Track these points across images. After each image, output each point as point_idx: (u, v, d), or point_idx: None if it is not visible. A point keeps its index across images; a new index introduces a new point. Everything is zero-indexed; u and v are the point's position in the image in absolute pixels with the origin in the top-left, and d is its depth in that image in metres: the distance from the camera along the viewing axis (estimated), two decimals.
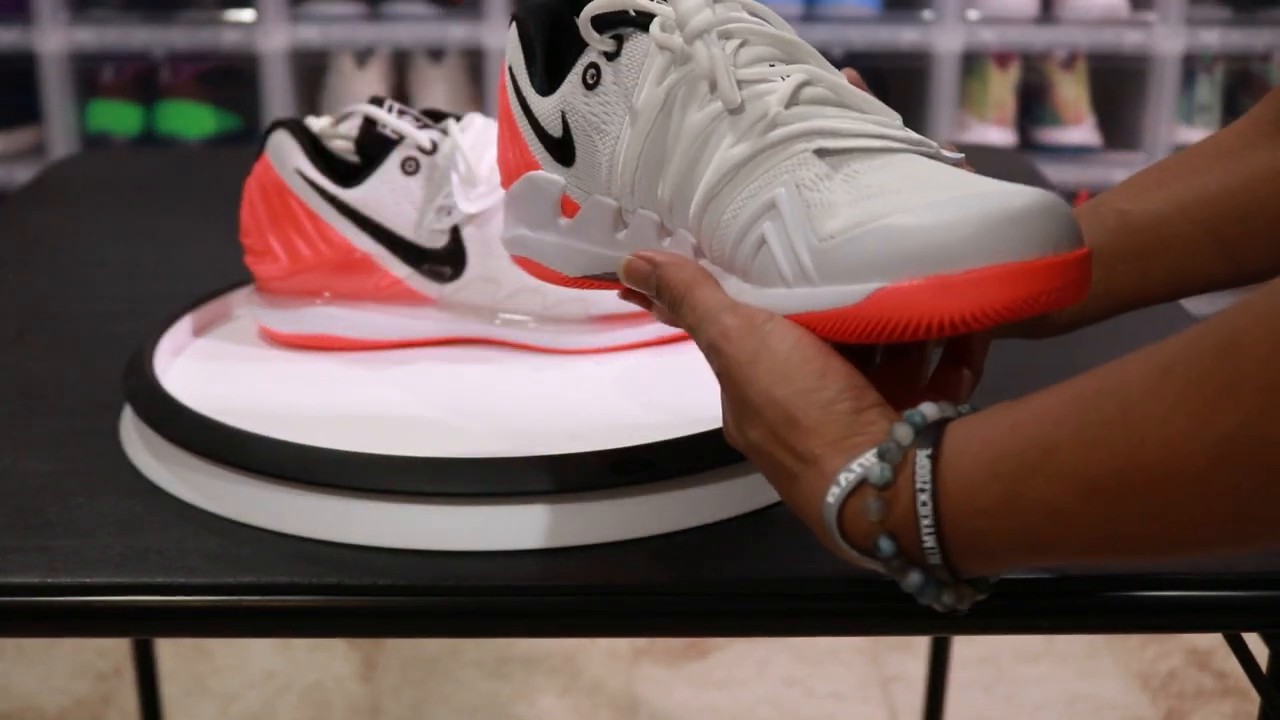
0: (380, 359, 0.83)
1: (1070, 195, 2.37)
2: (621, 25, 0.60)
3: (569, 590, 0.62)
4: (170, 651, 1.75)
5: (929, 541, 0.49)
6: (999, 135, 2.49)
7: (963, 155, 0.59)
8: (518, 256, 0.67)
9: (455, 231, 0.81)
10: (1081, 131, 2.49)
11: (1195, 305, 0.85)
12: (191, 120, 2.40)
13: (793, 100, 0.57)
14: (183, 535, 0.66)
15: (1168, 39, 2.39)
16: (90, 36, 2.33)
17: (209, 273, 0.95)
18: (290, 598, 0.62)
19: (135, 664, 1.41)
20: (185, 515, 0.68)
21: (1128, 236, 0.66)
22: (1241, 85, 2.57)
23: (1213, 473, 0.42)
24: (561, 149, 0.63)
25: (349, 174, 0.82)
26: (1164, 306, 0.95)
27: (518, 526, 0.65)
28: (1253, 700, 1.05)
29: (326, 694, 1.71)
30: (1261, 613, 0.62)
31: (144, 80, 2.43)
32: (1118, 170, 2.42)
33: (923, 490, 0.49)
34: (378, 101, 0.81)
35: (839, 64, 0.63)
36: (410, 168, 0.80)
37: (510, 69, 0.66)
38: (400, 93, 2.45)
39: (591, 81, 0.61)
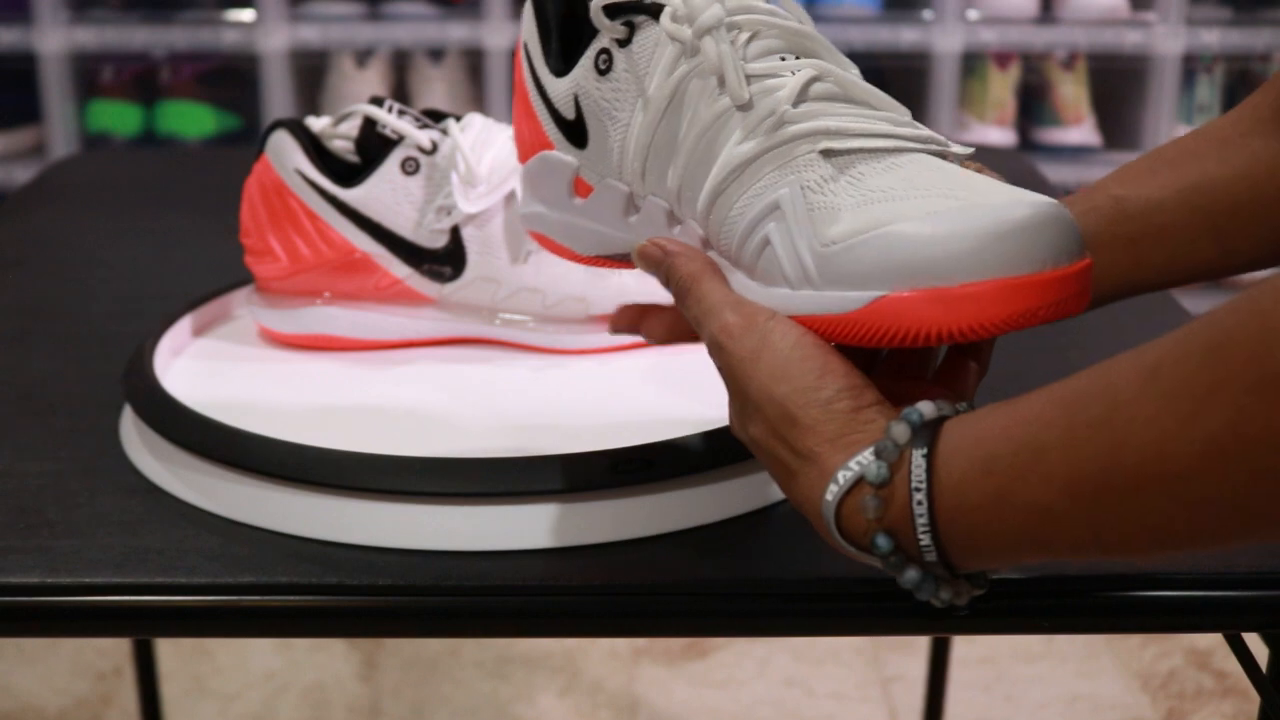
0: (380, 359, 0.83)
1: (1071, 195, 2.36)
2: (634, 12, 0.60)
3: (569, 590, 0.62)
4: (170, 651, 1.75)
5: (924, 539, 0.50)
6: (999, 135, 2.49)
7: (972, 149, 0.59)
8: (533, 231, 0.67)
9: (455, 231, 0.81)
10: (1081, 131, 2.49)
11: (1194, 305, 0.85)
12: (191, 120, 2.40)
13: (801, 97, 0.57)
14: (183, 535, 0.66)
15: (1168, 39, 2.39)
16: (90, 36, 2.33)
17: (209, 273, 0.95)
18: (290, 598, 0.62)
19: (135, 664, 1.41)
20: (185, 515, 0.68)
21: (1121, 223, 0.66)
22: (1241, 85, 2.57)
23: (1199, 473, 0.43)
24: (575, 131, 0.64)
25: (349, 174, 0.82)
26: (1162, 306, 0.95)
27: (517, 526, 0.65)
28: (1253, 700, 1.05)
29: (326, 694, 1.71)
30: (1261, 613, 0.62)
31: (144, 80, 2.43)
32: None
33: (918, 489, 0.50)
34: (378, 101, 0.81)
35: None
36: (410, 168, 0.80)
37: (526, 48, 0.66)
38: (400, 93, 2.45)
39: (604, 67, 0.61)
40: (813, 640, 1.79)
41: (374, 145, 0.81)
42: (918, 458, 0.50)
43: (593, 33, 0.62)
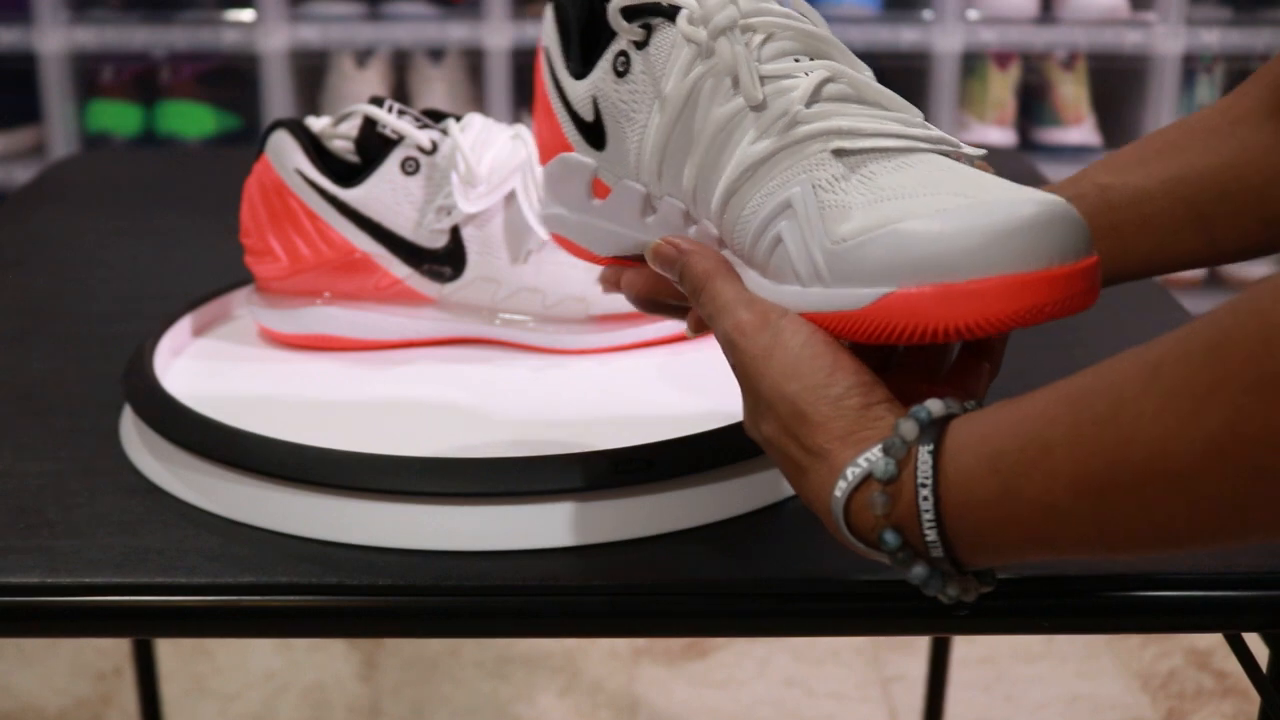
0: (380, 359, 0.83)
1: None
2: (651, 14, 0.61)
3: (569, 590, 0.62)
4: (170, 651, 1.75)
5: (931, 535, 0.50)
6: (999, 135, 2.49)
7: (984, 152, 0.59)
8: (554, 233, 0.68)
9: (455, 231, 0.81)
10: (1081, 131, 2.49)
11: (1194, 305, 0.85)
12: (191, 120, 2.40)
13: (814, 97, 0.58)
14: (183, 535, 0.66)
15: (1168, 39, 2.39)
16: (90, 36, 2.33)
17: (209, 273, 0.95)
18: (290, 598, 0.62)
19: (135, 664, 1.41)
20: (185, 515, 0.68)
21: (1107, 212, 0.66)
22: None
23: (1201, 471, 0.43)
24: (593, 133, 0.64)
25: (349, 174, 0.82)
26: (1161, 304, 0.95)
27: (517, 526, 0.65)
28: (1253, 700, 1.05)
29: (326, 694, 1.71)
30: (1261, 613, 0.62)
31: (144, 80, 2.43)
32: None
33: (924, 485, 0.50)
34: (378, 101, 0.81)
35: None
36: (410, 168, 0.80)
37: (546, 51, 0.66)
38: (400, 93, 2.45)
39: (621, 69, 0.62)
40: (813, 640, 1.79)
41: (374, 145, 0.81)
42: (924, 454, 0.50)
43: (611, 35, 0.62)
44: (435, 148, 0.80)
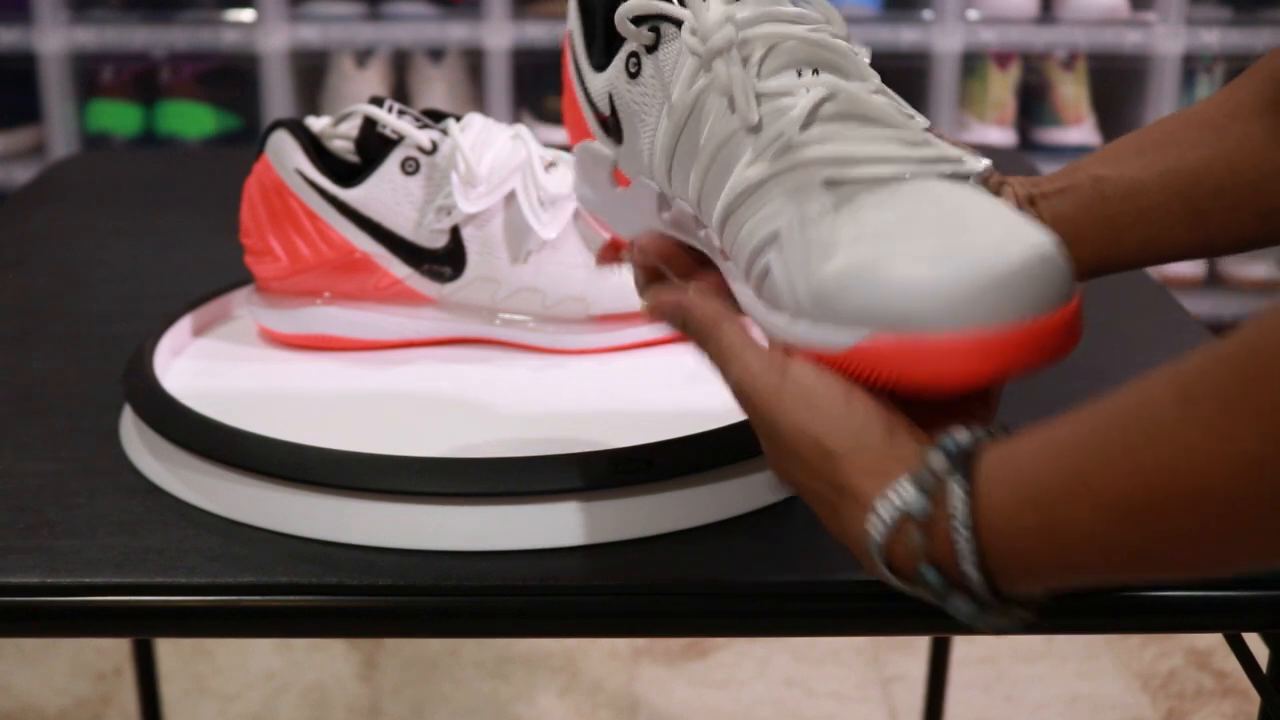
0: (380, 359, 0.83)
1: None
2: (660, 19, 0.61)
3: (569, 590, 0.62)
4: (170, 651, 1.75)
5: (970, 571, 0.49)
6: (999, 135, 2.49)
7: (989, 163, 0.59)
8: (587, 211, 0.69)
9: (455, 231, 0.81)
10: (1081, 131, 2.49)
11: (1194, 304, 0.85)
12: (191, 120, 2.40)
13: (811, 118, 0.57)
14: (183, 535, 0.66)
15: (1168, 39, 2.39)
16: (90, 36, 2.33)
17: (209, 273, 0.95)
18: (290, 598, 0.62)
19: (135, 664, 1.41)
20: (185, 515, 0.68)
21: (1101, 203, 0.66)
22: None
23: (1239, 493, 0.42)
24: (610, 127, 0.64)
25: (349, 174, 0.82)
26: (1161, 306, 0.95)
27: (517, 526, 0.65)
28: (1253, 700, 1.05)
29: (326, 694, 1.71)
30: (1261, 613, 0.62)
31: (144, 80, 2.43)
32: None
33: (961, 521, 0.49)
34: (378, 101, 0.81)
35: None
36: (410, 168, 0.80)
37: (570, 39, 0.66)
38: (400, 93, 2.45)
39: (633, 70, 0.62)
40: (813, 640, 1.79)
41: (374, 145, 0.81)
42: (957, 489, 0.49)
43: None
44: (435, 148, 0.80)
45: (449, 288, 0.82)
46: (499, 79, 2.34)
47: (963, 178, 0.57)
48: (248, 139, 2.42)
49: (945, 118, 2.41)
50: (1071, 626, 0.65)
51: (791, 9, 0.59)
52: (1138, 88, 2.47)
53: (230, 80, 2.43)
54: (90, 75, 2.41)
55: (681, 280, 0.64)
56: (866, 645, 1.80)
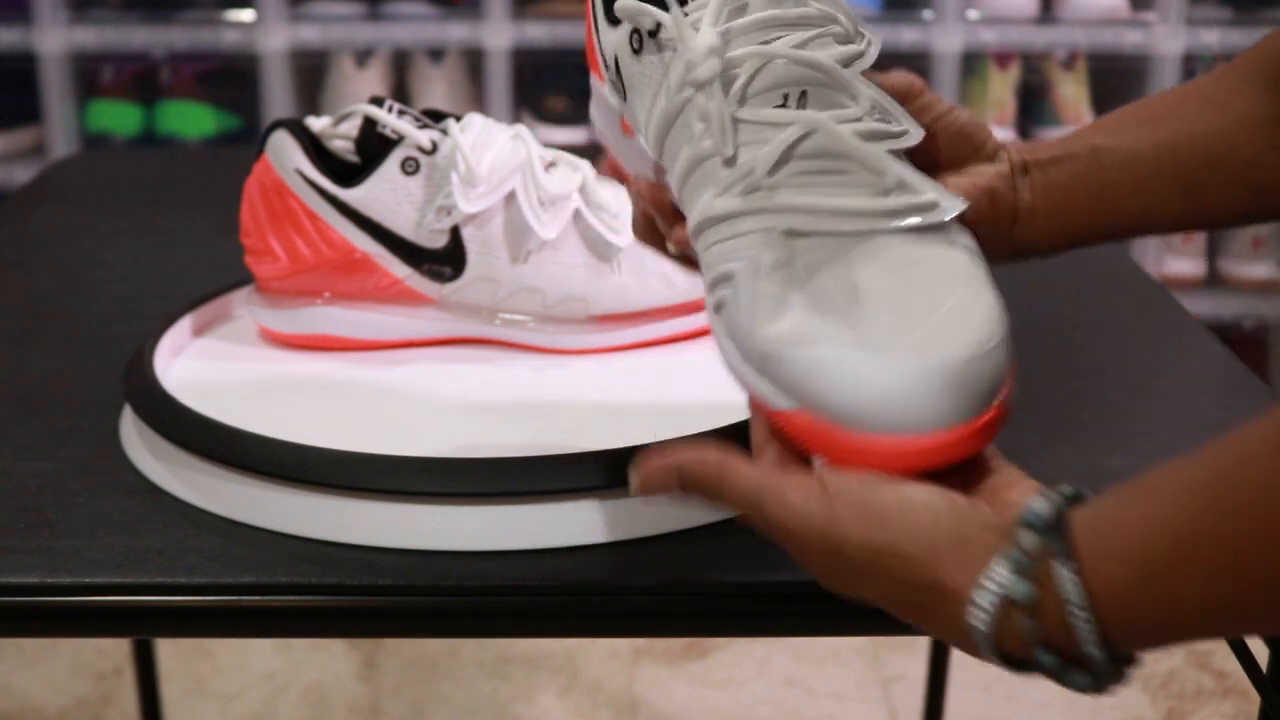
0: (380, 359, 0.83)
1: None
2: (660, 6, 0.60)
3: (569, 590, 0.62)
4: (170, 651, 1.75)
5: (1094, 652, 0.48)
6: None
7: (965, 205, 0.58)
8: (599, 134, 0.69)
9: (455, 231, 0.81)
10: None
11: (1194, 305, 0.85)
12: (191, 120, 2.40)
13: (785, 157, 0.57)
14: (183, 535, 0.66)
15: (1168, 39, 2.39)
16: (90, 36, 2.33)
17: (209, 273, 0.95)
18: (290, 598, 0.62)
19: (135, 664, 1.41)
20: (185, 515, 0.68)
21: (1097, 172, 0.65)
22: None
23: None
24: (616, 85, 0.64)
25: (349, 174, 0.82)
26: (1162, 307, 0.95)
27: (518, 526, 0.64)
28: (1253, 700, 1.05)
29: (326, 694, 1.71)
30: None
31: (144, 80, 2.43)
32: None
33: (1076, 605, 0.48)
34: (378, 101, 0.81)
35: None
36: (410, 168, 0.80)
37: None
38: (400, 93, 2.44)
39: (636, 47, 0.62)
40: (813, 640, 1.79)
41: (374, 145, 0.81)
42: (1065, 571, 0.48)
43: None
44: (435, 148, 0.80)
45: (449, 288, 0.82)
46: (499, 79, 2.34)
47: (934, 227, 0.57)
48: (248, 139, 2.41)
49: None
50: None
51: (793, 10, 0.59)
52: (1138, 88, 2.46)
53: (230, 80, 2.43)
54: (90, 75, 2.41)
55: (669, 229, 0.64)
56: (866, 645, 1.80)
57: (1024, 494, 0.53)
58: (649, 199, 0.64)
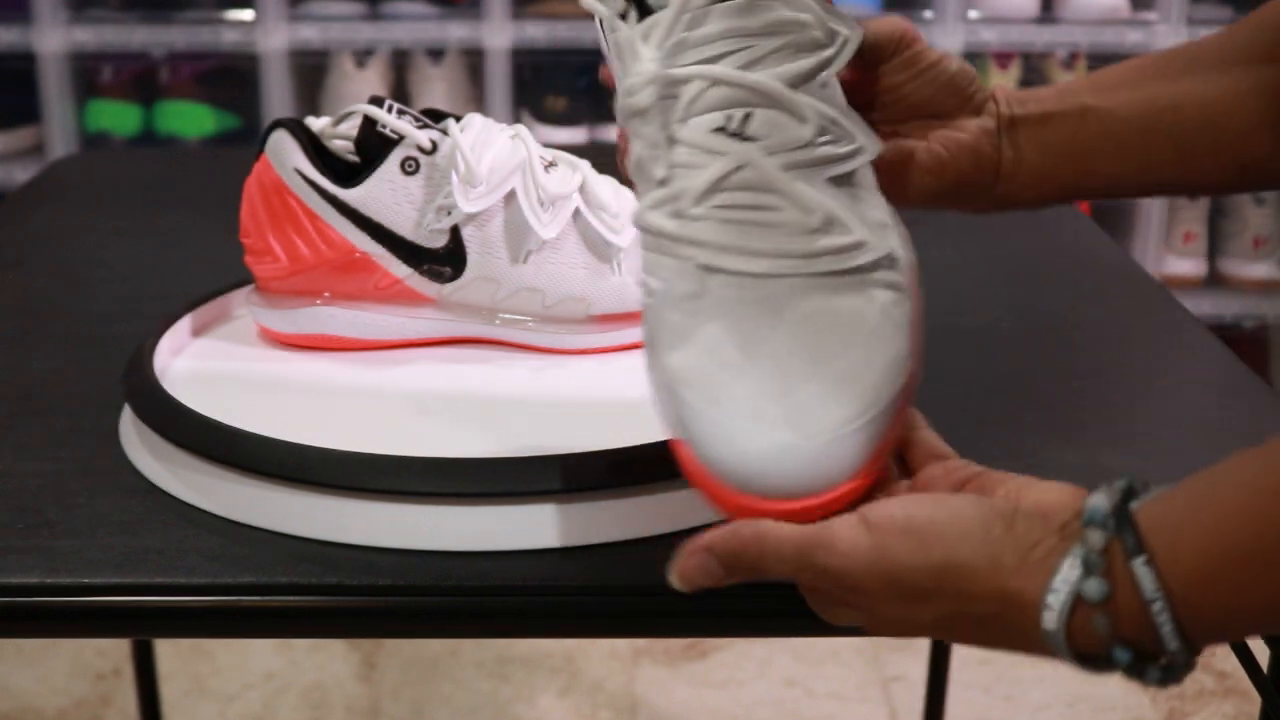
0: (380, 359, 0.83)
1: None
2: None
3: (569, 590, 0.62)
4: (169, 652, 1.75)
5: (1172, 644, 0.48)
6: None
7: (886, 253, 0.58)
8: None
9: (455, 231, 0.81)
10: None
11: (1195, 305, 0.85)
12: (191, 120, 2.40)
13: (715, 188, 0.57)
14: (182, 535, 0.66)
15: (1168, 39, 2.39)
16: (89, 36, 2.33)
17: (209, 273, 0.95)
18: (290, 598, 0.62)
19: (134, 664, 1.41)
20: (185, 515, 0.68)
21: (1084, 134, 0.65)
22: None
23: None
24: (609, 43, 0.62)
25: (349, 174, 0.81)
26: (1162, 307, 0.95)
27: (517, 526, 0.64)
28: (1254, 701, 1.05)
29: (326, 694, 1.71)
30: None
31: (143, 80, 2.43)
32: None
33: (1155, 600, 0.48)
34: (377, 101, 0.81)
35: None
36: (410, 167, 0.80)
37: None
38: (400, 93, 2.45)
39: (622, 14, 0.60)
40: (813, 640, 1.79)
41: (374, 145, 0.81)
42: (1143, 569, 0.48)
43: None
44: (435, 147, 0.80)
45: (449, 288, 0.82)
46: (499, 79, 2.34)
47: (855, 269, 0.57)
48: (247, 139, 2.41)
49: None
50: None
51: (755, 20, 0.57)
52: None
53: (230, 80, 2.43)
54: (89, 75, 2.41)
55: None
56: (867, 645, 1.80)
57: (1045, 493, 0.53)
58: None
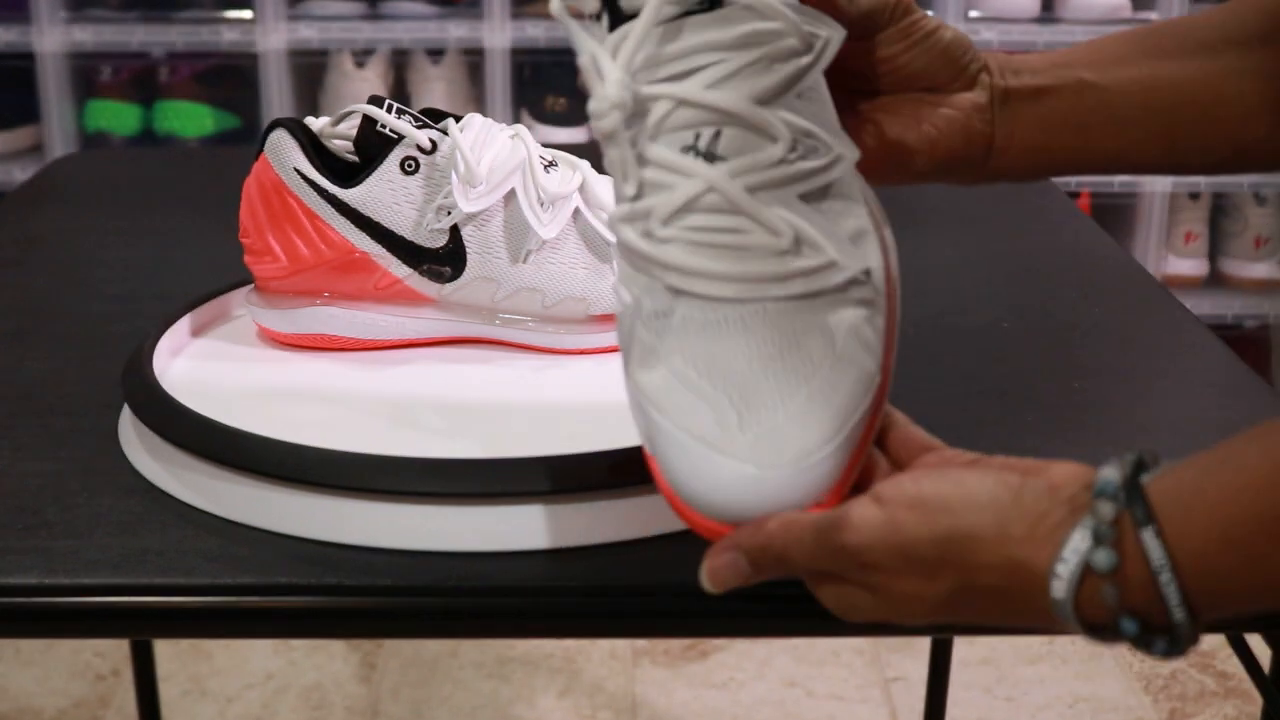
0: (380, 359, 0.83)
1: (1072, 196, 2.36)
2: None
3: (569, 590, 0.62)
4: (169, 653, 1.75)
5: (1179, 615, 0.48)
6: None
7: (856, 273, 0.57)
8: None
9: (455, 231, 0.81)
10: None
11: (1195, 305, 0.85)
12: (191, 120, 2.40)
13: (683, 210, 0.56)
14: (182, 535, 0.66)
15: None
16: (89, 36, 2.33)
17: (208, 273, 0.95)
18: (290, 598, 0.62)
19: (134, 665, 1.41)
20: (184, 515, 0.67)
21: (1079, 110, 0.65)
22: None
23: None
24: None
25: (348, 174, 0.81)
26: (1161, 306, 0.95)
27: (517, 527, 0.64)
28: (1255, 701, 1.05)
29: (326, 694, 1.71)
30: (1263, 613, 0.62)
31: (143, 80, 2.43)
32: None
33: (1162, 570, 0.48)
34: (377, 101, 0.81)
35: None
36: (409, 167, 0.80)
37: None
38: (400, 92, 2.44)
39: (596, 19, 0.59)
40: (813, 641, 1.79)
41: (373, 145, 0.81)
42: (1151, 539, 0.48)
43: None
44: (435, 147, 0.80)
45: (449, 287, 0.82)
46: (499, 79, 2.33)
47: (827, 289, 0.57)
48: (247, 138, 2.41)
49: None
50: None
51: (731, 32, 0.56)
52: None
53: (229, 80, 2.43)
54: (89, 74, 2.41)
55: None
56: (867, 646, 1.80)
57: (1049, 469, 0.53)
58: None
